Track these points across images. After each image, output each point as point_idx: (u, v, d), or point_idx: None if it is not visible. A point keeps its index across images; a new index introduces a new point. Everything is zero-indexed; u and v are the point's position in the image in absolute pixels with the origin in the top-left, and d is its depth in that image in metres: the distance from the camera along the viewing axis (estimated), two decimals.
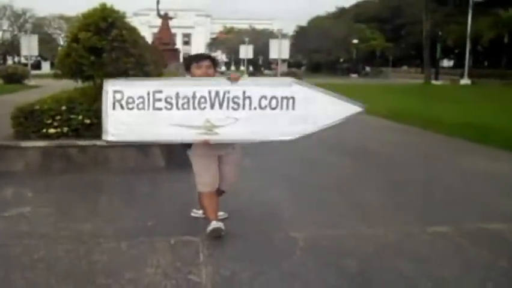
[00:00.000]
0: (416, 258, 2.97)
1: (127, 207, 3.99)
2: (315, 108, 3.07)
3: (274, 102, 3.04)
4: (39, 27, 49.85)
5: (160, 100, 3.05)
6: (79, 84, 6.33)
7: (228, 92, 3.02)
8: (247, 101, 3.03)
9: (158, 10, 43.92)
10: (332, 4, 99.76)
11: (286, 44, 29.76)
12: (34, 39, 26.26)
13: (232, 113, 3.02)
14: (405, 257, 2.97)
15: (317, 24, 55.02)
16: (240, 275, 2.69)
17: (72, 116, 5.40)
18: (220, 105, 3.01)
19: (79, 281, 2.64)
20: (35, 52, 27.42)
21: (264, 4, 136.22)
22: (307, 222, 3.62)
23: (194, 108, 3.02)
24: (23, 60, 40.60)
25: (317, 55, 52.00)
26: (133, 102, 3.07)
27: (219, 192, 3.37)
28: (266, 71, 49.93)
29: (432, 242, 3.27)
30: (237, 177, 3.44)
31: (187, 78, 3.25)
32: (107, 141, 3.24)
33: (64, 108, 5.43)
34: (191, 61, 3.23)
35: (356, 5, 60.60)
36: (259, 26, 65.84)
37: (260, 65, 57.01)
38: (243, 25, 70.75)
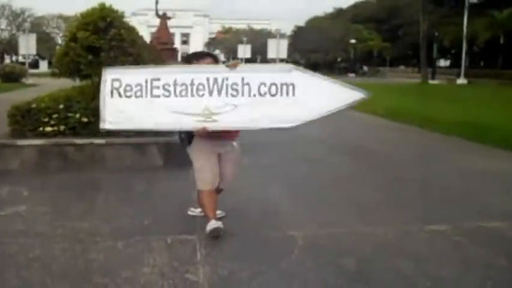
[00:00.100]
0: (414, 256, 2.95)
1: (123, 205, 3.96)
2: (316, 95, 2.99)
3: (273, 88, 2.98)
4: (37, 26, 49.78)
5: (158, 88, 3.01)
6: (77, 83, 6.32)
7: (227, 79, 2.97)
8: (246, 88, 2.97)
9: (157, 10, 43.90)
10: (329, 5, 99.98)
11: (284, 44, 29.80)
12: (32, 38, 26.20)
13: (231, 99, 2.96)
14: (404, 256, 2.96)
15: (315, 25, 55.11)
16: (238, 274, 2.66)
17: (69, 115, 5.37)
18: (219, 92, 2.96)
19: (75, 280, 2.61)
20: (33, 51, 27.35)
21: (262, 5, 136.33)
22: (306, 221, 3.60)
23: (192, 95, 2.98)
24: (20, 59, 40.50)
25: (315, 55, 52.03)
26: (131, 90, 3.03)
27: (217, 190, 3.35)
28: None
29: (431, 241, 3.25)
30: (235, 176, 3.42)
31: (185, 66, 3.22)
32: (105, 129, 3.18)
33: (61, 106, 5.40)
34: (191, 59, 3.20)
35: (354, 6, 60.87)
36: (257, 26, 65.88)
37: None
38: (241, 25, 70.76)
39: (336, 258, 2.89)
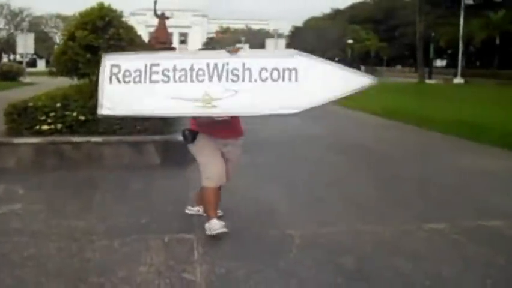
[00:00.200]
0: (413, 255, 2.93)
1: (120, 204, 3.93)
2: (320, 80, 2.86)
3: (275, 74, 2.86)
4: (35, 25, 49.77)
5: (157, 73, 2.95)
6: (75, 81, 6.30)
7: (227, 64, 2.88)
8: (247, 73, 2.86)
9: (155, 10, 43.77)
10: (327, 5, 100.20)
11: (282, 44, 29.78)
12: (30, 38, 26.15)
13: (231, 85, 2.86)
14: (402, 255, 2.94)
15: (312, 25, 55.26)
16: (235, 273, 2.64)
17: (67, 113, 5.35)
18: (219, 78, 2.87)
19: (70, 279, 2.58)
20: (31, 50, 27.30)
21: (261, 5, 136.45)
22: (304, 220, 3.58)
23: (192, 80, 2.89)
24: (18, 58, 40.39)
25: (312, 55, 52.09)
26: (130, 75, 2.98)
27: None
28: None
29: (430, 239, 3.24)
30: (233, 174, 3.38)
31: (184, 51, 3.19)
32: (102, 115, 3.12)
33: (58, 105, 5.38)
34: None
35: (351, 7, 61.13)
36: (255, 26, 65.91)
37: None
38: (239, 25, 70.79)
39: (334, 257, 2.87)
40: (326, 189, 4.54)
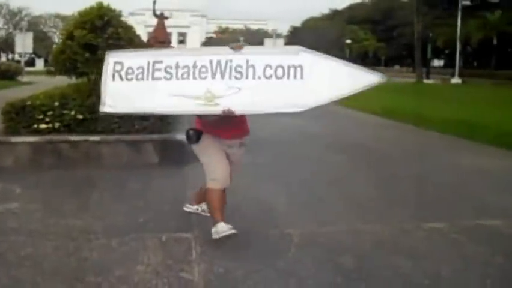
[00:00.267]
0: (412, 254, 2.92)
1: (118, 203, 3.90)
2: (327, 78, 2.76)
3: (280, 71, 2.77)
4: (34, 25, 49.74)
5: (159, 70, 2.90)
6: (73, 80, 6.28)
7: (231, 61, 2.81)
8: (250, 70, 2.79)
9: (154, 10, 43.69)
10: (325, 6, 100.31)
11: (280, 44, 29.74)
12: (29, 37, 26.04)
13: (234, 82, 2.78)
14: (402, 254, 2.93)
15: (311, 25, 55.36)
16: (233, 273, 2.62)
17: (64, 112, 5.32)
18: (222, 75, 2.80)
19: (67, 278, 2.56)
20: (30, 49, 27.18)
21: (259, 5, 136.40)
22: (303, 219, 3.57)
23: (194, 78, 2.83)
24: (17, 57, 40.31)
25: None
26: (133, 72, 2.94)
27: None
28: None
29: (429, 239, 3.23)
30: (237, 173, 3.30)
31: (188, 48, 3.13)
32: (104, 112, 3.07)
33: (56, 103, 5.36)
34: None
35: (349, 7, 61.35)
36: (254, 26, 65.93)
37: None
38: (238, 25, 70.79)
39: (333, 256, 2.86)
40: (324, 188, 4.52)
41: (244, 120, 3.12)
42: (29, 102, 5.36)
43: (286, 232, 3.24)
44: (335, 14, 62.00)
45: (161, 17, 43.56)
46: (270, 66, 2.79)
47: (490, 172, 5.35)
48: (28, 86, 18.69)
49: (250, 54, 2.85)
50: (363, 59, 56.23)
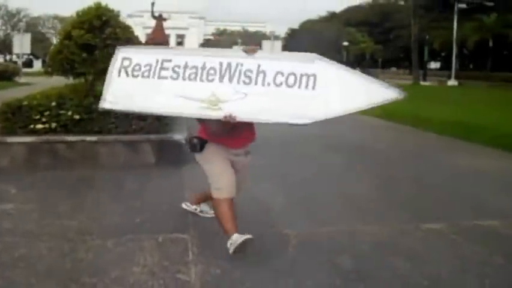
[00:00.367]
0: (411, 255, 2.91)
1: (114, 204, 3.87)
2: (340, 90, 2.58)
3: (292, 79, 2.61)
4: (33, 26, 49.68)
5: (167, 69, 2.78)
6: (70, 81, 6.26)
7: (241, 65, 2.68)
8: (260, 76, 2.64)
9: (152, 12, 43.68)
10: (323, 8, 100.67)
11: (278, 45, 29.78)
12: (27, 38, 25.97)
13: (242, 87, 2.64)
14: (400, 255, 2.91)
15: (309, 27, 55.49)
16: (230, 274, 2.59)
17: (61, 112, 5.29)
18: (230, 79, 2.67)
19: (62, 279, 2.52)
20: (27, 50, 27.11)
21: (257, 8, 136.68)
22: (300, 220, 3.54)
23: (201, 79, 2.71)
24: (14, 58, 40.20)
25: None
26: (139, 69, 2.84)
27: None
28: None
29: (427, 239, 3.21)
30: (248, 182, 3.16)
31: (199, 49, 3.03)
32: (104, 109, 2.97)
33: (53, 103, 5.32)
34: None
35: (346, 10, 61.59)
36: (252, 28, 66.05)
37: None
38: (236, 27, 70.88)
39: (331, 257, 2.84)
40: (323, 188, 4.50)
41: (253, 128, 2.96)
42: (25, 102, 5.33)
43: (284, 232, 3.22)
44: (332, 17, 62.21)
45: (159, 19, 43.58)
46: (282, 73, 2.64)
47: (487, 173, 5.35)
48: (26, 86, 18.63)
49: (262, 59, 2.71)
50: (360, 61, 56.50)
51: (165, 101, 2.79)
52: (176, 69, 2.79)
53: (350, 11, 60.72)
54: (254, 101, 2.64)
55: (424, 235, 3.28)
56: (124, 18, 7.48)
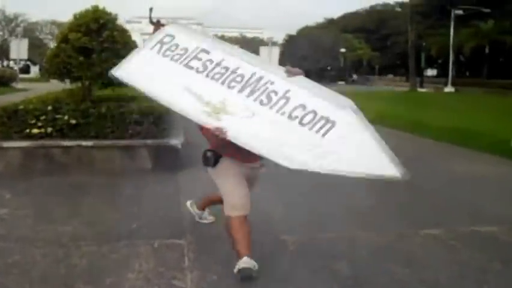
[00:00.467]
0: (409, 261, 2.88)
1: (110, 209, 3.84)
2: (346, 151, 2.28)
3: (309, 117, 2.34)
4: (30, 31, 49.59)
5: (199, 59, 2.63)
6: (67, 85, 6.23)
7: (271, 83, 2.47)
8: (281, 101, 2.40)
9: (150, 18, 43.76)
10: (320, 15, 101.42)
11: (276, 52, 29.80)
12: (24, 43, 25.86)
13: (255, 106, 2.42)
14: (398, 261, 2.88)
15: (306, 34, 55.73)
16: (227, 280, 2.56)
17: (57, 116, 5.25)
18: (251, 93, 2.45)
19: (56, 286, 2.49)
20: (25, 56, 27.01)
21: (255, 14, 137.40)
22: (298, 225, 3.51)
23: (223, 82, 2.52)
24: (11, 64, 40.13)
25: (306, 63, 52.48)
26: (174, 50, 2.71)
27: None
28: None
29: (426, 245, 3.19)
30: (257, 189, 3.07)
31: (246, 52, 2.75)
32: (113, 75, 2.83)
33: (49, 108, 5.29)
34: None
35: (343, 16, 61.98)
36: (249, 35, 66.29)
37: None
38: (234, 33, 71.15)
39: (329, 263, 2.81)
40: (320, 194, 4.47)
41: None
42: (21, 106, 5.30)
43: (281, 239, 3.20)
44: (329, 23, 62.58)
45: (157, 25, 43.53)
46: (304, 108, 2.37)
47: (485, 179, 5.35)
48: (22, 92, 18.57)
49: (295, 85, 2.46)
50: (357, 67, 56.78)
51: (174, 92, 2.62)
52: (207, 63, 2.64)
53: (347, 17, 61.17)
54: (255, 124, 2.40)
55: (423, 241, 3.26)
56: (121, 23, 7.44)
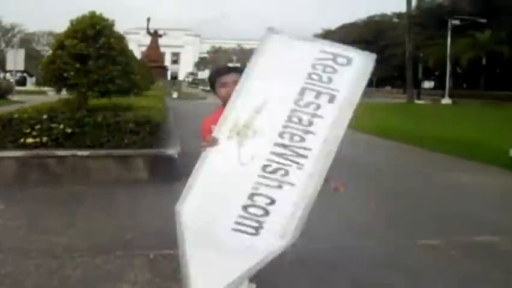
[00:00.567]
0: (408, 271, 2.84)
1: (105, 220, 3.78)
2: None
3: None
4: (27, 42, 49.70)
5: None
6: (64, 96, 6.17)
7: (310, 150, 2.10)
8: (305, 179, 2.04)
9: (148, 28, 43.95)
10: (318, 26, 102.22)
11: None
12: (21, 54, 25.82)
13: (279, 150, 2.06)
14: (397, 271, 2.84)
15: None
16: None
17: (53, 125, 5.19)
18: (291, 138, 2.09)
19: None
20: (21, 67, 26.95)
21: (252, 25, 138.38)
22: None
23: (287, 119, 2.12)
24: (8, 76, 40.07)
25: None
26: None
27: None
28: None
29: (424, 255, 3.15)
30: None
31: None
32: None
33: (44, 117, 5.22)
34: (215, 77, 2.38)
35: (341, 27, 62.43)
36: (247, 46, 66.65)
37: None
38: (232, 45, 71.58)
39: (326, 273, 2.76)
40: (318, 204, 4.42)
41: None
42: (16, 115, 5.24)
43: None
44: (327, 34, 63.07)
45: (155, 35, 43.63)
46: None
47: (484, 189, 5.33)
48: (19, 104, 18.48)
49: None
50: None
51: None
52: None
53: (346, 28, 61.65)
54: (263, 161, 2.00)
55: (421, 251, 3.23)
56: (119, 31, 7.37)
